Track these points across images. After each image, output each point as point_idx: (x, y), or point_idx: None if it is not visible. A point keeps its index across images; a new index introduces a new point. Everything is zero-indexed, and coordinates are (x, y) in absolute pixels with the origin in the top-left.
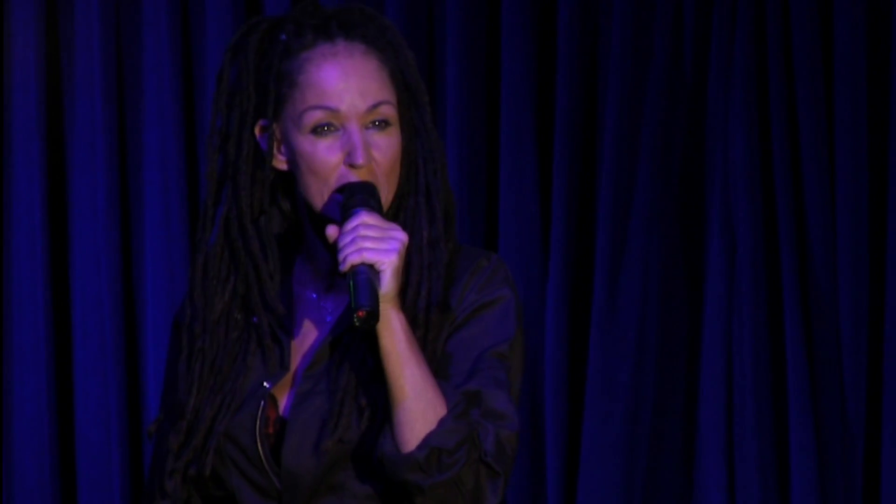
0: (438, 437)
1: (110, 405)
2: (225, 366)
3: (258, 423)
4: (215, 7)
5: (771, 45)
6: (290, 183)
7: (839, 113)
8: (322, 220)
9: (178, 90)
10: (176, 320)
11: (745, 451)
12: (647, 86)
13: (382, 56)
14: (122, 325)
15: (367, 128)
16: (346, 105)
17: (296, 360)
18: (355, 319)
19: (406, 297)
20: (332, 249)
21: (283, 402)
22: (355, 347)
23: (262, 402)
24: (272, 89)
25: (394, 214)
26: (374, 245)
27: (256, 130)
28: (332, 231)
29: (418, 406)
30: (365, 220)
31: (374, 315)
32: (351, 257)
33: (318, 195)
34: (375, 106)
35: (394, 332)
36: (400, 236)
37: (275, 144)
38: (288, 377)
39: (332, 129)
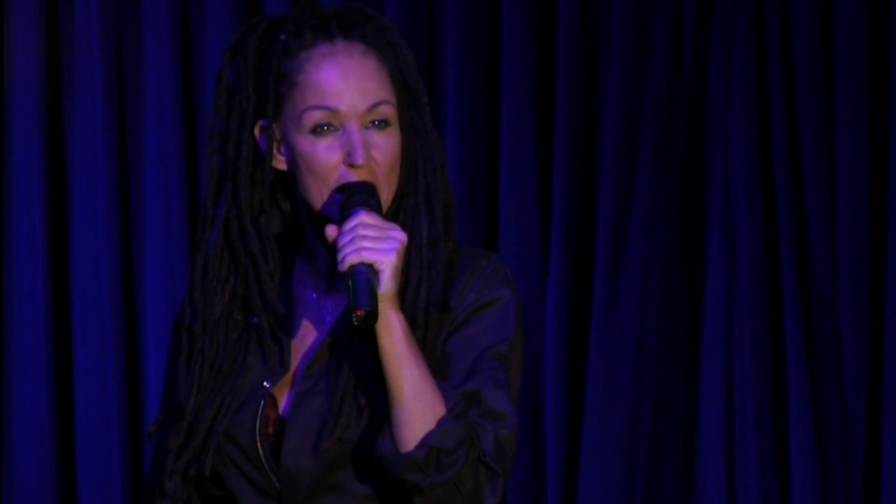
0: (437, 437)
1: (110, 405)
2: (225, 366)
3: (258, 422)
4: (215, 7)
5: (771, 45)
6: (289, 183)
7: (839, 113)
8: (322, 220)
9: (178, 90)
10: (176, 321)
11: (746, 451)
12: (647, 86)
13: (382, 56)
14: (123, 325)
15: (366, 128)
16: (346, 105)
17: (296, 359)
18: (354, 319)
19: (405, 297)
20: (332, 249)
21: (282, 401)
22: (355, 347)
23: (262, 402)
24: (271, 90)
25: (393, 214)
26: (373, 245)
27: (256, 131)
28: (331, 231)
29: (417, 406)
30: (364, 220)
31: (372, 315)
32: (350, 257)
33: (318, 195)
34: (375, 106)
35: (393, 332)
36: (399, 236)
37: (274, 145)
38: (288, 377)
39: (332, 129)
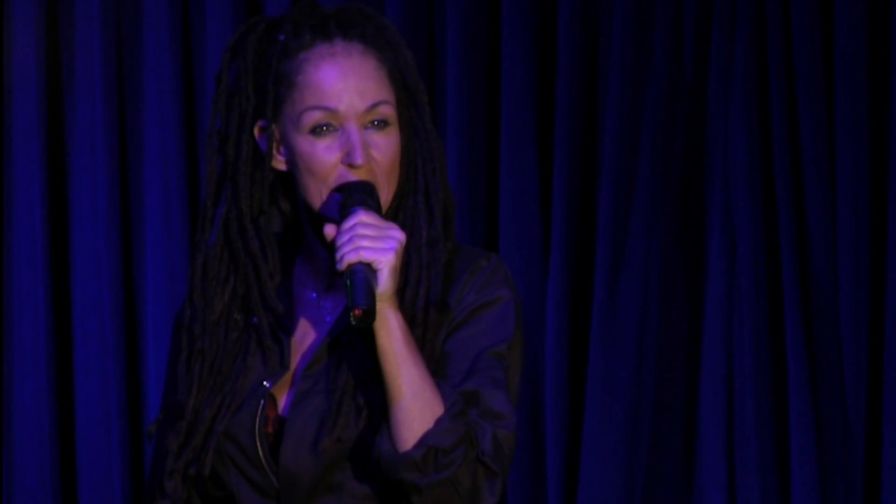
0: (435, 437)
1: (110, 405)
2: (225, 366)
3: (257, 422)
4: (215, 7)
5: (771, 45)
6: (289, 183)
7: (839, 113)
8: (321, 219)
9: (178, 90)
10: (176, 321)
11: (746, 451)
12: (647, 86)
13: (381, 56)
14: (123, 325)
15: (365, 128)
16: (345, 105)
17: (295, 359)
18: (351, 318)
19: (405, 296)
20: (332, 249)
21: (282, 401)
22: (354, 347)
23: (262, 402)
24: (271, 90)
25: (393, 214)
26: (372, 244)
27: (255, 131)
28: (329, 230)
29: (415, 405)
30: (362, 219)
31: (370, 314)
32: (348, 256)
33: (317, 195)
34: (374, 106)
35: (391, 331)
36: (397, 235)
37: (274, 145)
38: (288, 376)
39: (331, 129)
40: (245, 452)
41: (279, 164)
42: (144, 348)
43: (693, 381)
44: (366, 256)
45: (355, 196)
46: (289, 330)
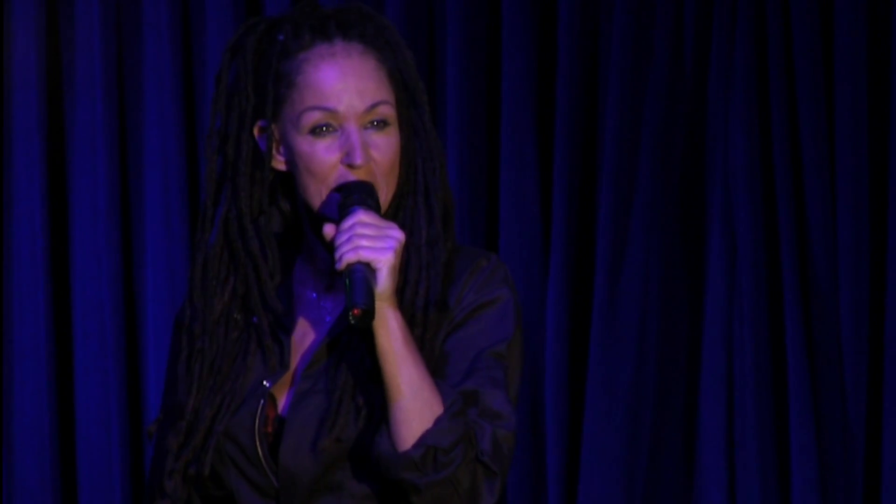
0: (434, 436)
1: (110, 405)
2: (224, 366)
3: (257, 421)
4: (215, 7)
5: (771, 45)
6: (289, 183)
7: (839, 113)
8: (321, 219)
9: (178, 90)
10: (176, 321)
11: (746, 451)
12: (647, 86)
13: (380, 56)
14: (123, 325)
15: (365, 128)
16: (345, 105)
17: (295, 359)
18: (350, 317)
19: (404, 296)
20: (331, 249)
21: (282, 401)
22: (354, 347)
23: (262, 401)
24: (270, 90)
25: (393, 214)
26: (371, 243)
27: (255, 131)
28: (329, 230)
29: (414, 405)
30: (361, 219)
31: (369, 313)
32: (347, 255)
33: (317, 195)
34: (374, 106)
35: (390, 331)
36: (396, 235)
37: (273, 145)
38: (287, 376)
39: (331, 129)
40: (245, 452)
41: (279, 164)
42: (144, 348)
43: (693, 381)
44: (365, 256)
45: (354, 196)
46: (288, 330)
